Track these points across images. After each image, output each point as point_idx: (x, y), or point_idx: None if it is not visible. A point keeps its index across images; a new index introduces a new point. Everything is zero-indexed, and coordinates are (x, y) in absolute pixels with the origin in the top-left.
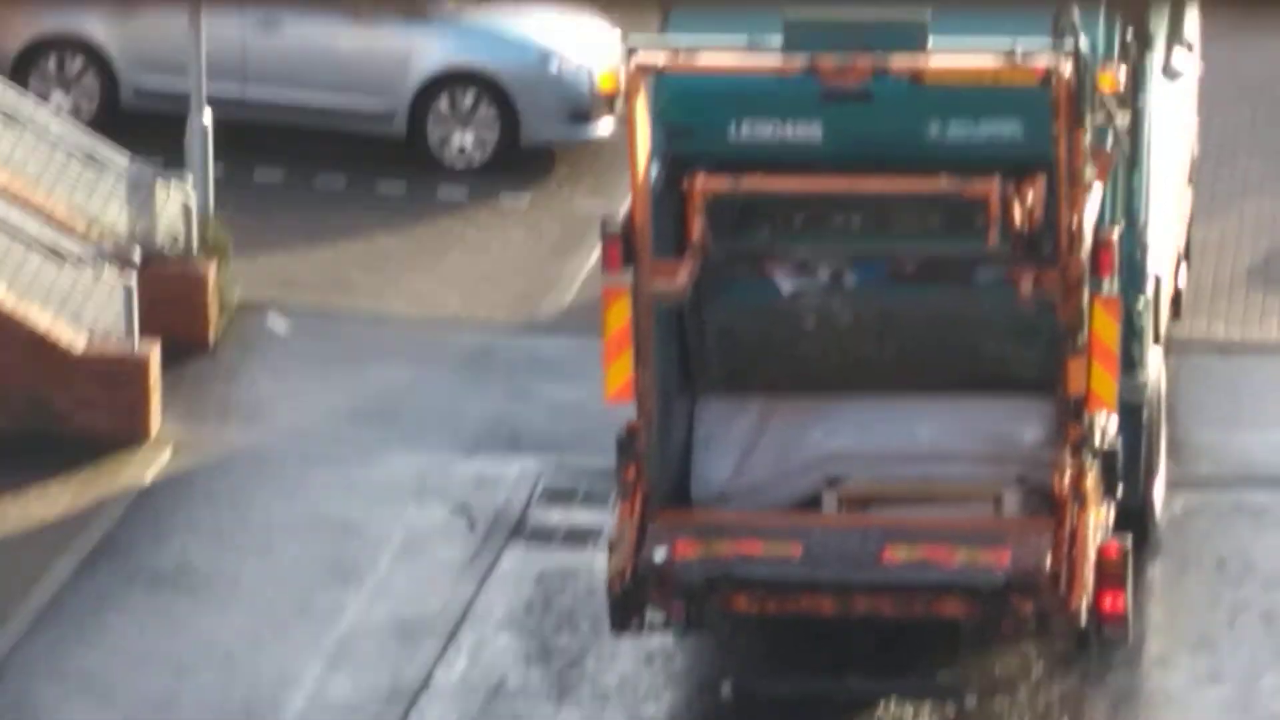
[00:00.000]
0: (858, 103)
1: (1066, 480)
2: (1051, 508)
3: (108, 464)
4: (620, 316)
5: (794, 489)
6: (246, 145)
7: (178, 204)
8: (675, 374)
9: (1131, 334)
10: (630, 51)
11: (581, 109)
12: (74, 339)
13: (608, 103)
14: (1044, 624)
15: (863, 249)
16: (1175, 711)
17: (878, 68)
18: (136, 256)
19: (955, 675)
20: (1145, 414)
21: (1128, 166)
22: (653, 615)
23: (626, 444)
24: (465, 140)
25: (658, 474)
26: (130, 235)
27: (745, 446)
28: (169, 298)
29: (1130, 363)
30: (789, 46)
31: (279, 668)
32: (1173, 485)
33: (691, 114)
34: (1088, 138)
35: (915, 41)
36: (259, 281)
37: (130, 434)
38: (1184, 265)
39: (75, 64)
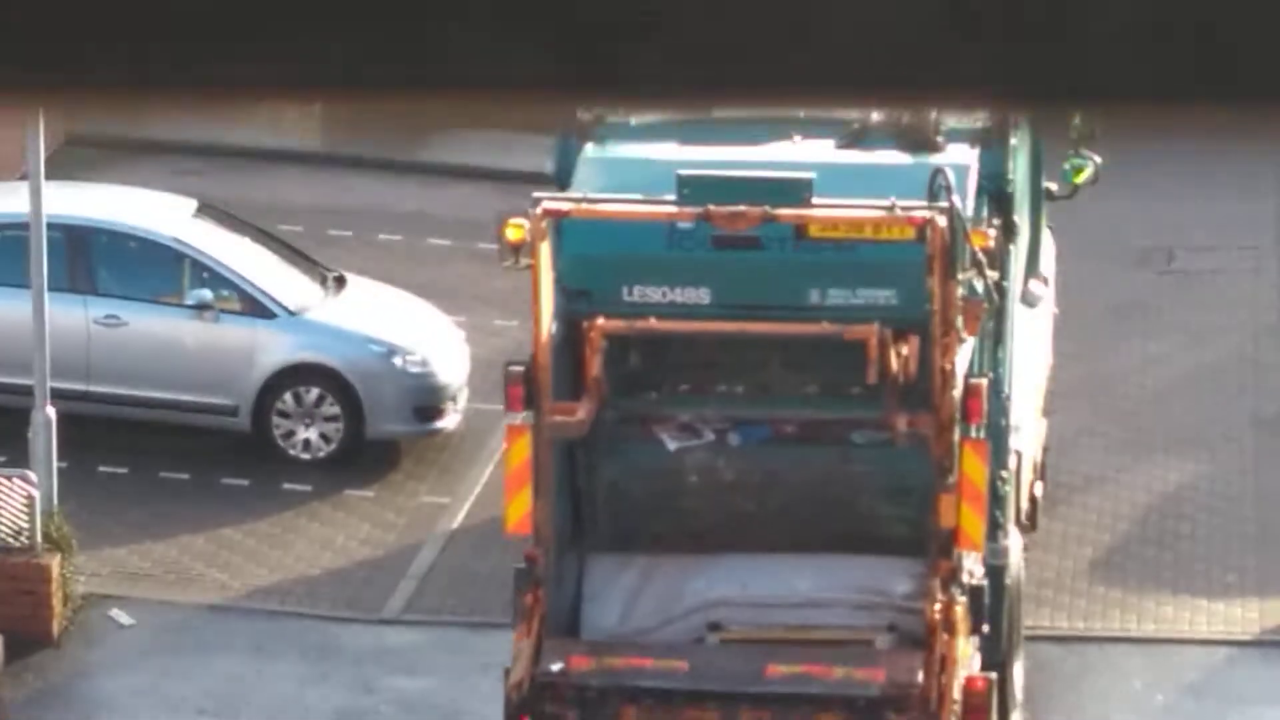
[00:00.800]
0: (747, 249)
1: (937, 610)
2: (922, 641)
3: None
4: (521, 453)
5: (677, 634)
6: (90, 439)
7: (21, 498)
8: (566, 531)
9: (995, 502)
10: (536, 200)
11: (426, 404)
12: None
13: (512, 252)
14: None
15: (746, 411)
16: None
17: (766, 216)
18: None
19: None
20: (1006, 579)
21: (993, 340)
22: None
23: (525, 572)
24: (310, 434)
25: (554, 598)
26: None
27: (630, 597)
28: (12, 591)
29: (993, 528)
30: (683, 199)
31: None
32: None
33: (587, 279)
34: (960, 290)
35: (801, 196)
36: (103, 574)
37: None
38: (1039, 484)
39: None
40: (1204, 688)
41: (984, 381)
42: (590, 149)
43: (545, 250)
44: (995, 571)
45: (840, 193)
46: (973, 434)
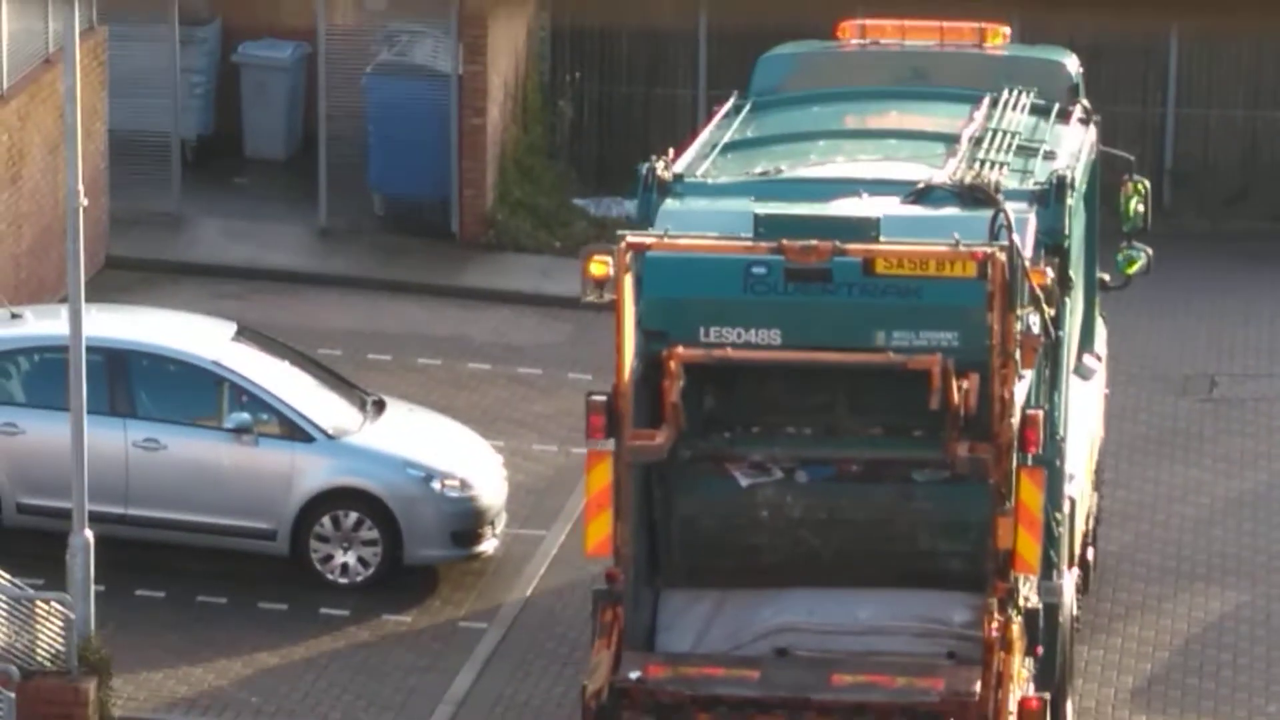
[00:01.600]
0: (818, 283)
1: (994, 628)
2: (980, 661)
3: None
4: (602, 478)
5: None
6: (128, 562)
7: (58, 621)
8: (643, 568)
9: (1050, 542)
10: (621, 236)
11: (464, 529)
12: None
13: (596, 286)
14: None
15: (813, 451)
16: None
17: (836, 250)
18: (15, 674)
19: None
20: (1060, 616)
21: (1049, 382)
22: None
23: (605, 591)
24: (348, 558)
25: (630, 624)
26: (9, 652)
27: (702, 626)
28: (49, 715)
29: (1048, 568)
30: (759, 236)
31: None
32: None
33: (666, 321)
34: (1018, 325)
35: (869, 234)
36: (140, 699)
37: None
38: (1091, 549)
39: None
40: None
41: (1040, 412)
42: (669, 203)
43: (628, 283)
44: (1050, 609)
45: (905, 237)
46: (1029, 462)
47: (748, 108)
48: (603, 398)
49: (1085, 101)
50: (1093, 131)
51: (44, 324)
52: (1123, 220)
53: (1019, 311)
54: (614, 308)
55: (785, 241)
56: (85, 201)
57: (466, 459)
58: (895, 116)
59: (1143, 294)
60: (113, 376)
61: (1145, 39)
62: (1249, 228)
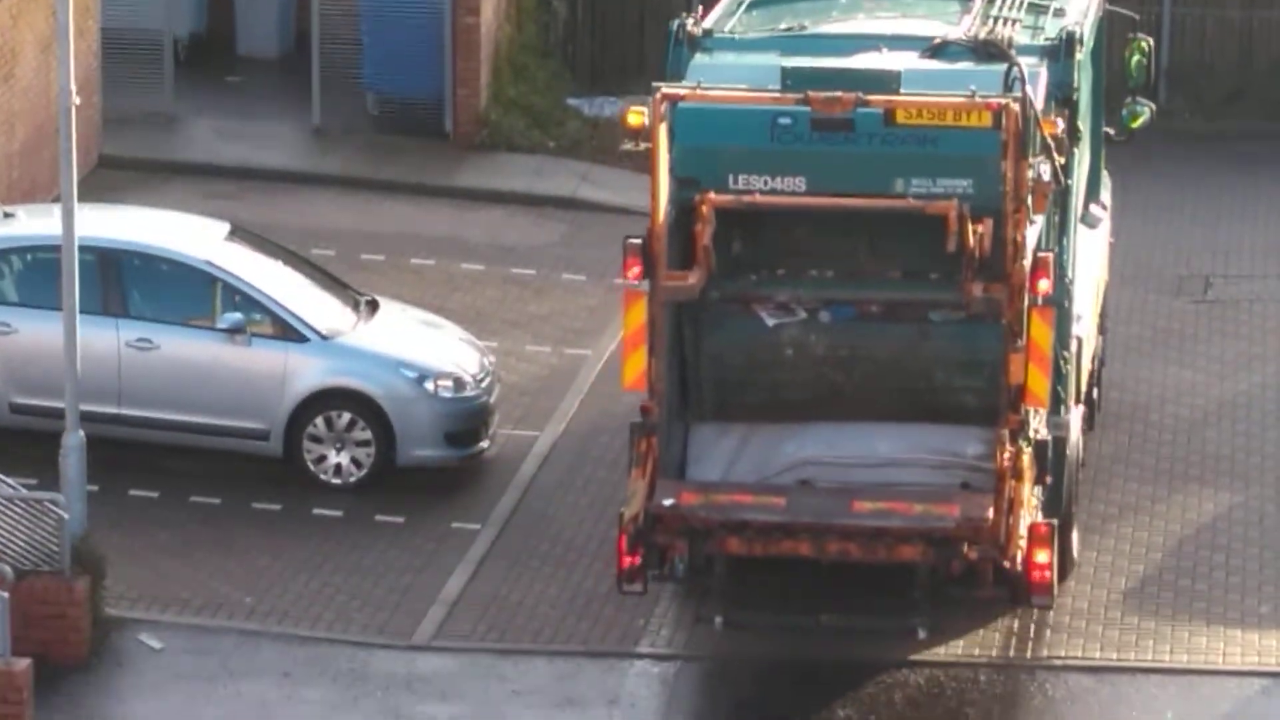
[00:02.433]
0: (841, 133)
1: (1006, 457)
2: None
3: None
4: (637, 317)
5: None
6: (121, 462)
7: (51, 521)
8: (674, 404)
9: (1058, 379)
10: (656, 88)
11: (458, 429)
12: None
13: (632, 136)
14: (984, 571)
15: (835, 292)
16: None
17: (859, 101)
18: (8, 574)
19: (909, 613)
20: (1067, 449)
21: (1058, 228)
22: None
23: (640, 423)
24: (341, 459)
25: (666, 446)
26: (2, 552)
27: (730, 459)
28: (42, 614)
29: (1055, 403)
30: (786, 88)
31: None
32: None
33: (697, 168)
34: (1030, 173)
35: (891, 86)
36: (133, 598)
37: None
38: (1096, 390)
39: None
40: (1237, 718)
41: (1050, 255)
42: (699, 57)
43: (663, 132)
44: (1058, 442)
45: (924, 89)
46: (1040, 302)
47: None
48: (639, 241)
49: None
50: None
51: (36, 223)
52: (1127, 76)
53: (1031, 160)
54: (649, 156)
55: (811, 93)
56: (78, 100)
57: (460, 359)
58: None
59: (1138, 195)
60: (105, 276)
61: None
62: (1245, 128)
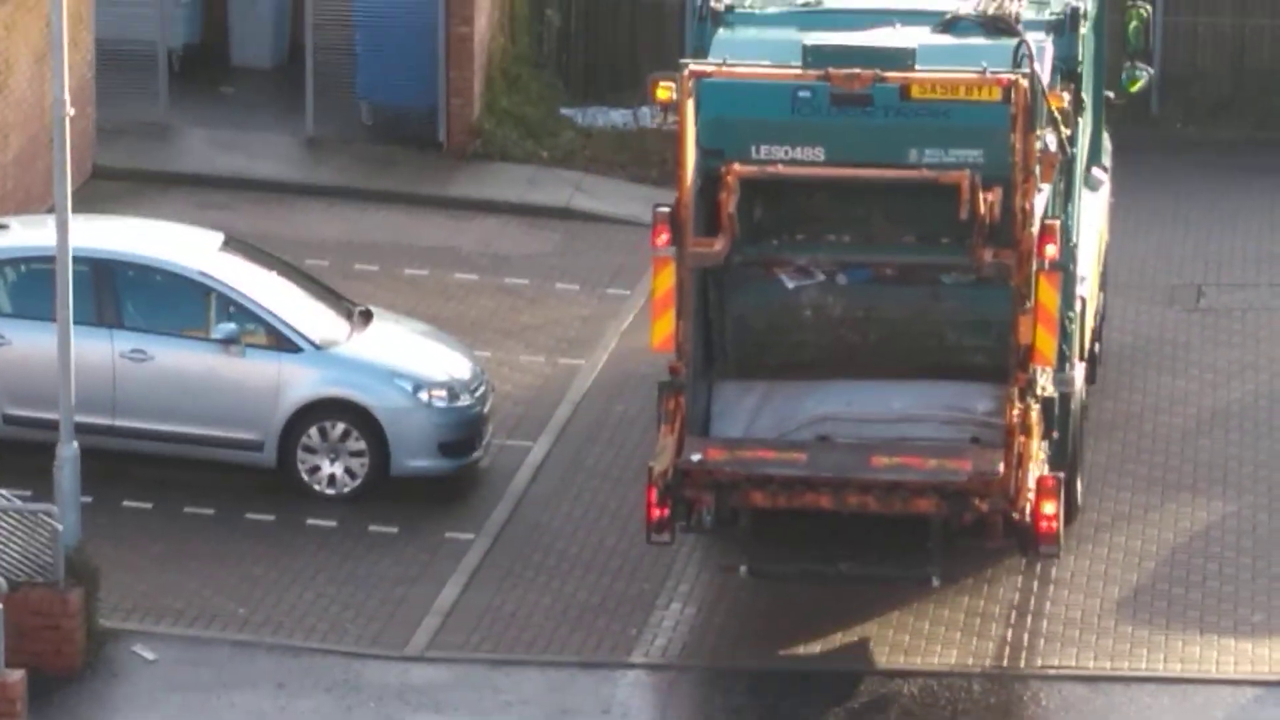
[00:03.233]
0: (860, 106)
1: (1015, 414)
2: (1002, 443)
3: None
4: (666, 281)
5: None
6: (115, 473)
7: (45, 532)
8: (699, 363)
9: (1064, 339)
10: (683, 64)
11: (452, 439)
12: None
13: (661, 110)
14: (994, 522)
15: (852, 256)
16: None
17: (877, 77)
18: (2, 585)
19: (923, 562)
20: (1072, 404)
21: (1064, 195)
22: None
23: (669, 382)
24: (335, 469)
25: (693, 404)
26: None
27: (752, 415)
28: (36, 625)
29: (1061, 361)
30: (808, 64)
31: None
32: None
33: (721, 139)
34: (1038, 144)
35: (906, 63)
36: (127, 609)
37: None
38: (1098, 345)
39: None
40: None
41: (1057, 222)
42: (722, 32)
43: (690, 107)
44: (1063, 398)
45: (937, 65)
46: (1047, 266)
47: None
48: (666, 209)
49: None
50: None
51: (30, 234)
52: (1125, 43)
53: (1039, 131)
54: (676, 128)
55: (831, 70)
56: (72, 111)
57: (454, 369)
58: None
59: (1130, 203)
60: (99, 287)
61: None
62: (1237, 136)
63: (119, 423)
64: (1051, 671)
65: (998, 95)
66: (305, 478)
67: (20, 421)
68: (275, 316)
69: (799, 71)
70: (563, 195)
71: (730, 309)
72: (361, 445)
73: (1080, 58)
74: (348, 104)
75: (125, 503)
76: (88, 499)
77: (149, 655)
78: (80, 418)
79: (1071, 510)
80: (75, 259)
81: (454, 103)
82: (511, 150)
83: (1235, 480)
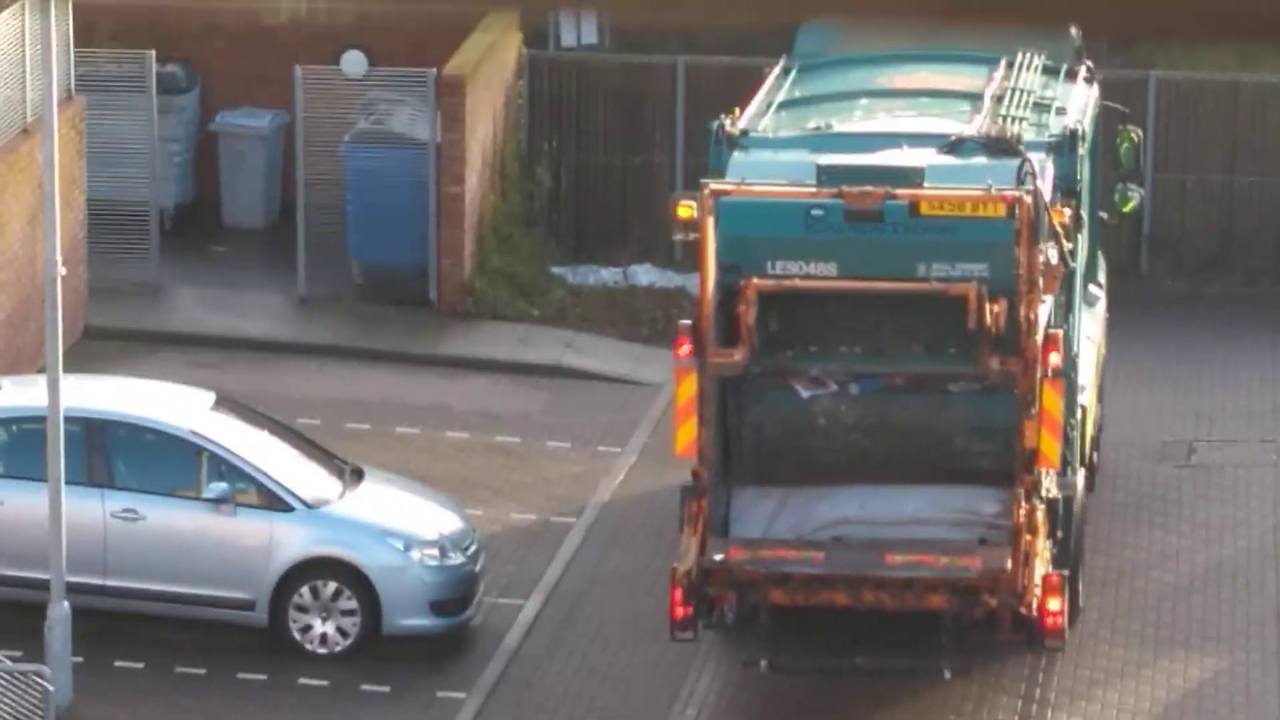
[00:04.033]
0: (872, 222)
1: (1022, 514)
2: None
3: None
4: (688, 390)
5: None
6: (106, 633)
7: (36, 694)
8: (719, 470)
9: (1065, 444)
10: (704, 184)
11: (443, 598)
12: None
13: (682, 227)
14: (1003, 617)
15: (863, 367)
16: None
17: (888, 194)
18: None
19: (936, 655)
20: (1075, 507)
21: (1065, 308)
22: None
23: (691, 486)
24: (327, 628)
25: (714, 507)
26: None
27: (769, 519)
28: None
29: (1063, 466)
30: (822, 183)
31: None
32: None
33: (738, 255)
34: (1041, 257)
35: (915, 181)
36: None
37: None
38: (1096, 454)
39: None
40: None
41: (1060, 331)
42: (737, 155)
43: (710, 224)
44: (1066, 500)
45: (944, 184)
46: (1050, 373)
47: (794, 70)
48: (689, 322)
49: (1089, 62)
50: (1095, 89)
51: (22, 394)
52: (1117, 164)
53: (1042, 245)
54: (697, 246)
55: (845, 187)
56: (63, 271)
57: (445, 528)
58: (925, 77)
59: (1122, 359)
60: (91, 447)
61: (1123, 103)
62: (1226, 293)
63: (110, 582)
64: None
65: (1002, 211)
66: (297, 636)
67: (12, 581)
68: (267, 475)
69: (814, 189)
70: (554, 353)
71: (748, 417)
72: (353, 604)
73: (1079, 177)
74: (339, 263)
75: (117, 663)
76: (79, 659)
77: None
78: (72, 577)
79: (1074, 610)
80: (67, 419)
81: (445, 262)
82: (503, 309)
83: (1228, 637)
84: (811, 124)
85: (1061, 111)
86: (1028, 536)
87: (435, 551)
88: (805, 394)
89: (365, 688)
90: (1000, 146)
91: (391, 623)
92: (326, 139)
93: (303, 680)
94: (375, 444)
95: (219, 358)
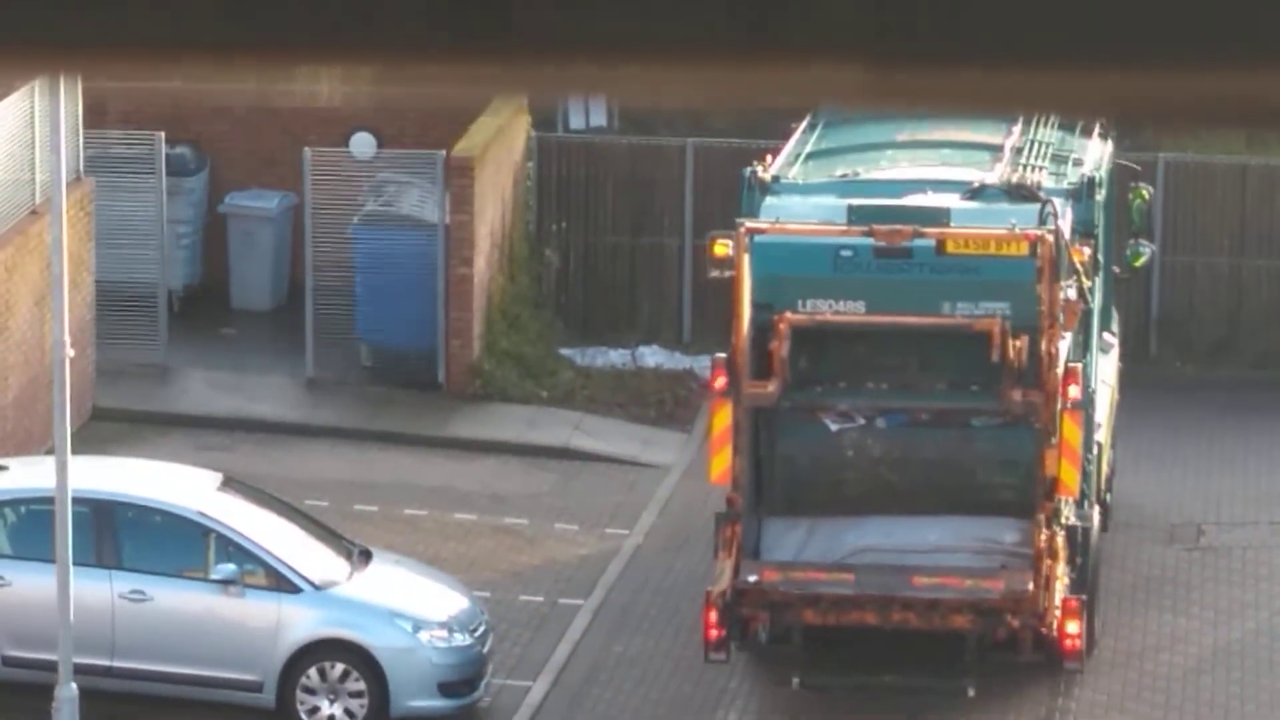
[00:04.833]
0: (901, 259)
1: (1042, 539)
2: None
3: None
4: (723, 421)
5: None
6: (114, 715)
7: None
8: (750, 500)
9: (1084, 477)
10: (740, 223)
11: (452, 680)
12: None
13: (718, 265)
14: (1024, 638)
15: (890, 402)
16: None
17: (916, 233)
18: None
19: (960, 674)
20: (1091, 538)
21: (1082, 347)
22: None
23: (725, 513)
24: (335, 710)
25: (747, 532)
26: None
27: (798, 548)
28: None
29: (1081, 499)
30: (852, 222)
31: None
32: None
33: (770, 294)
34: (1062, 294)
35: (942, 220)
36: None
37: None
38: (1109, 496)
39: None
40: None
41: (1079, 365)
42: (769, 199)
43: (746, 262)
44: (1084, 531)
45: (970, 220)
46: (1070, 405)
47: (820, 125)
48: (724, 356)
49: (1103, 119)
50: (1110, 145)
51: (29, 475)
52: (1129, 221)
53: (1062, 282)
54: (733, 283)
55: (875, 226)
56: (72, 353)
57: (453, 609)
58: (947, 130)
59: (1130, 441)
60: (99, 528)
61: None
62: (1235, 376)
63: (118, 664)
64: None
65: (1025, 250)
66: (305, 718)
67: (19, 663)
68: (274, 557)
69: (844, 228)
70: (562, 435)
71: (779, 450)
72: (361, 686)
73: (1097, 222)
74: (348, 345)
75: None
76: None
77: None
78: (79, 659)
79: (1090, 640)
80: (74, 500)
81: (453, 343)
82: (511, 390)
83: (1238, 719)
84: (839, 172)
85: (1079, 163)
86: (1048, 561)
87: (443, 633)
88: (834, 427)
89: None
90: (1021, 192)
91: (400, 704)
92: (335, 221)
93: None
94: (383, 525)
95: (227, 439)
